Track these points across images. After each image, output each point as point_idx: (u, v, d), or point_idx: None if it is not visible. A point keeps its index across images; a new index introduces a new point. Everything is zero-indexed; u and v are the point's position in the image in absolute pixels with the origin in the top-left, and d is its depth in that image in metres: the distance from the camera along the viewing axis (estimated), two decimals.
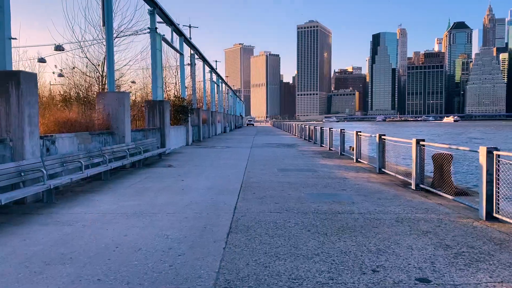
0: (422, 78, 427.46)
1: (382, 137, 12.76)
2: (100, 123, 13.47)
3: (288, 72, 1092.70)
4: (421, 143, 9.77)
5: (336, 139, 22.84)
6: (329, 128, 21.82)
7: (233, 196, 8.99)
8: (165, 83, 28.98)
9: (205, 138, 34.77)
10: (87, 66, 15.98)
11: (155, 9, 19.62)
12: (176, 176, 12.18)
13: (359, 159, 15.69)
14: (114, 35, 15.89)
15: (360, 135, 15.59)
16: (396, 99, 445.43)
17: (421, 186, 9.76)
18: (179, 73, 29.04)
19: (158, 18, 21.09)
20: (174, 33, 24.24)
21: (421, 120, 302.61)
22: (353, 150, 21.53)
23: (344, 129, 18.70)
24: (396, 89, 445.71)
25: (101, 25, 14.04)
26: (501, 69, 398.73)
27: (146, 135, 17.55)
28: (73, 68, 15.67)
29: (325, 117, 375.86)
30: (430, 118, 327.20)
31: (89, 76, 16.14)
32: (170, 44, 22.76)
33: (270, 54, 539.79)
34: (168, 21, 22.38)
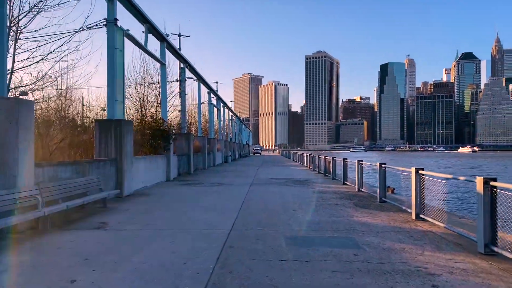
0: (431, 108, 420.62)
1: (492, 183, 6.40)
2: None
3: (297, 101, 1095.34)
4: None
5: (368, 176, 16.62)
6: (358, 161, 15.50)
7: None
8: (144, 101, 23.13)
9: (198, 169, 28.70)
10: None
11: None
12: (77, 262, 5.88)
13: (421, 215, 9.28)
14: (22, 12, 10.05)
15: (423, 174, 9.23)
16: (405, 129, 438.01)
17: None
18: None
19: (123, 10, 15.33)
20: (151, 36, 18.48)
21: (431, 150, 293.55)
22: (392, 192, 15.31)
23: (385, 164, 12.37)
24: (405, 118, 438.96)
25: None
26: (511, 99, 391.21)
27: (83, 171, 11.35)
28: None
29: (352, 147, 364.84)
30: (441, 148, 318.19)
31: None
32: (141, 46, 16.86)
33: (278, 83, 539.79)
34: (140, 16, 16.61)
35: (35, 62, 10.70)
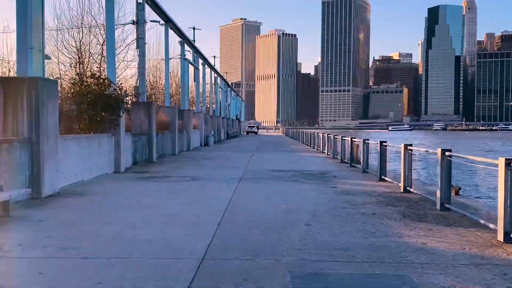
0: (498, 70, 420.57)
1: None
2: None
3: (309, 59, 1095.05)
4: None
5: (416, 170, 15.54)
6: (405, 146, 14.45)
7: None
8: (82, 53, 21.85)
9: (165, 156, 27.93)
10: None
11: None
12: None
13: None
14: None
15: None
16: (460, 100, 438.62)
17: None
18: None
19: None
20: None
21: (497, 130, 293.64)
22: (457, 194, 14.32)
23: (450, 151, 11.23)
24: (461, 85, 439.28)
25: None
26: None
27: None
28: None
29: (391, 124, 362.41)
30: (510, 128, 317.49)
31: None
32: None
33: (283, 33, 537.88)
34: None
35: None
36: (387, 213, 10.78)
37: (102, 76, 18.65)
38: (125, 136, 20.06)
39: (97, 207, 11.52)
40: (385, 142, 17.86)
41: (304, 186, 15.34)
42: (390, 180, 16.60)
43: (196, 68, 42.62)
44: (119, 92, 19.09)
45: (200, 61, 44.86)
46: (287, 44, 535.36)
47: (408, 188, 14.19)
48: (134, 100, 24.12)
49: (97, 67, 21.41)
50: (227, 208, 11.27)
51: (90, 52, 22.17)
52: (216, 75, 60.48)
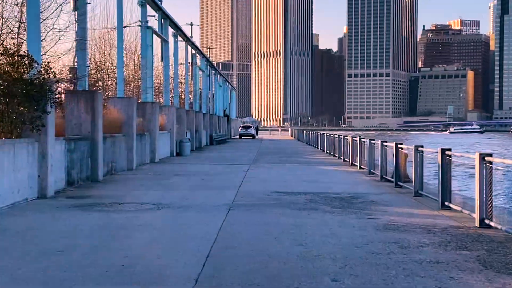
0: None
1: None
2: None
3: (330, 30, 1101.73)
4: None
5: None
6: (481, 156, 14.35)
7: None
8: None
9: (117, 171, 28.48)
10: None
11: None
12: None
13: None
14: None
15: None
16: None
17: None
18: None
19: None
20: None
21: None
22: None
23: None
24: None
25: None
26: None
27: None
28: None
29: (451, 123, 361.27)
30: None
31: None
32: None
33: None
34: None
35: None
36: (459, 261, 10.38)
37: (20, 52, 18.54)
38: (55, 143, 19.96)
39: (5, 254, 11.06)
40: (449, 149, 17.68)
41: (328, 218, 15.34)
42: (458, 208, 16.40)
43: (165, 41, 42.76)
44: (46, 75, 18.97)
45: (171, 30, 44.99)
46: (298, 8, 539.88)
47: (486, 220, 13.81)
48: (70, 87, 23.80)
49: (12, 38, 21.08)
50: (209, 253, 10.96)
51: (2, 16, 21.79)
52: (194, 51, 60.81)
